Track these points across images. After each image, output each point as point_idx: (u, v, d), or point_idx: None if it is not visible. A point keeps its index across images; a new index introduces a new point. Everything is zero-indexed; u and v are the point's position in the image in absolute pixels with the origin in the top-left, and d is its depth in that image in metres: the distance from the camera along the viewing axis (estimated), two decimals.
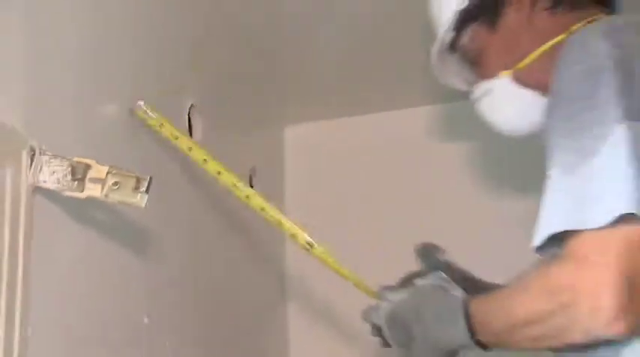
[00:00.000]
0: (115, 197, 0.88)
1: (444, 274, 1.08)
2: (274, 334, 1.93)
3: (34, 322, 0.80)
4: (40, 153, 0.85)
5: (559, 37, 0.97)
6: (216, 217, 1.53)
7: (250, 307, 1.72)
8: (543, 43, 1.00)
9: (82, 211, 0.94)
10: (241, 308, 1.66)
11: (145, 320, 1.14)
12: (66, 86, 0.99)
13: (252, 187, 1.30)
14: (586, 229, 0.75)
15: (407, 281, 1.10)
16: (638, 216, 0.72)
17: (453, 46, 1.10)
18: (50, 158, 0.85)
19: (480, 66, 1.09)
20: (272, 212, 1.12)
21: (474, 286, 1.09)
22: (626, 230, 0.73)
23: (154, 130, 1.16)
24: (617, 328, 0.73)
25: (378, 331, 1.07)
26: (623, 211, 0.72)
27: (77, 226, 0.96)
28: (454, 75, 1.17)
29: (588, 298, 0.74)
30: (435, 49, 1.10)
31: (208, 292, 1.47)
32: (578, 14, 0.99)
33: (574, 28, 0.95)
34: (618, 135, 0.75)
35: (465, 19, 1.06)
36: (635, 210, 0.72)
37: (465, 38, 1.08)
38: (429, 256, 1.14)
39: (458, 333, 0.95)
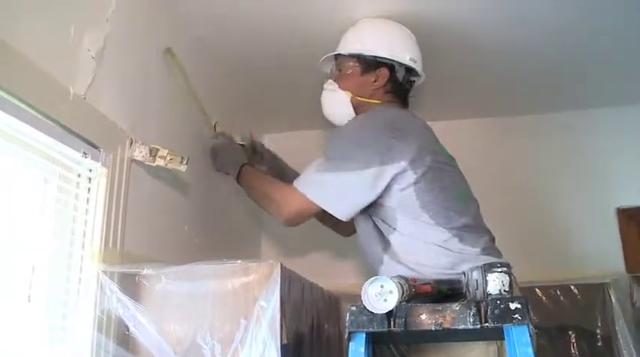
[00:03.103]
0: (170, 165, 1.68)
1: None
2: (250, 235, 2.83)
3: (129, 219, 1.59)
4: (135, 141, 1.64)
5: (377, 101, 1.86)
6: (219, 181, 2.33)
7: (236, 220, 2.60)
8: (371, 99, 1.88)
9: (153, 171, 1.75)
10: (232, 220, 2.55)
11: (186, 228, 2.00)
12: (150, 109, 1.81)
13: None
14: (300, 192, 1.74)
15: (231, 137, 2.13)
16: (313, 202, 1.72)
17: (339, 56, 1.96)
18: (139, 144, 1.65)
19: (341, 76, 1.94)
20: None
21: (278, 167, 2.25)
22: (303, 200, 1.73)
23: (175, 68, 1.94)
24: (284, 222, 1.81)
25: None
26: (309, 196, 1.72)
27: (150, 178, 1.77)
28: (326, 67, 2.03)
29: (284, 206, 1.74)
30: (333, 52, 1.96)
31: (215, 212, 2.34)
32: (391, 98, 1.88)
33: (385, 102, 1.87)
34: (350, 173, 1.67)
35: (358, 57, 1.91)
36: (314, 199, 1.72)
37: (350, 61, 1.92)
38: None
39: (234, 169, 1.98)
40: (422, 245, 1.66)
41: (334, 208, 1.72)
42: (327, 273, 2.71)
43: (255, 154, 2.21)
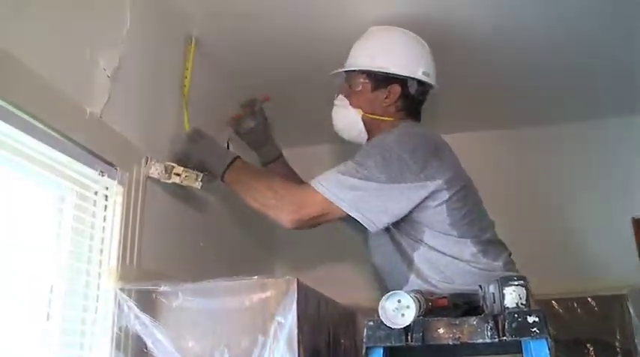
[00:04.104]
0: (186, 183, 1.70)
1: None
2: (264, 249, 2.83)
3: (145, 236, 1.60)
4: (150, 159, 1.66)
5: (390, 119, 1.80)
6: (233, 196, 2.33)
7: (250, 235, 2.62)
8: (382, 116, 1.82)
9: (169, 188, 1.77)
10: (246, 235, 2.55)
11: (201, 244, 2.01)
12: (164, 127, 1.83)
13: None
14: (318, 191, 1.62)
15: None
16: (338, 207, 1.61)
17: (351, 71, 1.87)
18: (155, 162, 1.67)
19: (351, 92, 1.86)
20: None
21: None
22: (326, 203, 1.61)
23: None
24: (287, 225, 1.66)
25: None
26: (335, 200, 1.60)
27: (165, 194, 1.79)
28: (336, 77, 1.92)
29: (297, 207, 1.64)
30: (342, 69, 1.87)
31: (229, 228, 2.36)
32: (404, 115, 1.82)
33: (397, 120, 1.80)
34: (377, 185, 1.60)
35: (368, 73, 1.83)
36: (341, 204, 1.61)
37: (360, 78, 1.84)
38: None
39: (219, 164, 1.75)
40: (449, 260, 1.65)
41: (365, 217, 1.62)
42: (342, 287, 2.68)
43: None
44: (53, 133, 1.28)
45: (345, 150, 2.15)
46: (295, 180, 2.07)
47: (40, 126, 1.24)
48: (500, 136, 2.94)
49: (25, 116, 1.19)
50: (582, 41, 2.17)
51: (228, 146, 2.11)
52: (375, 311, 1.29)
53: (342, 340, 1.98)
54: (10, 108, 1.15)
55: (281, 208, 1.67)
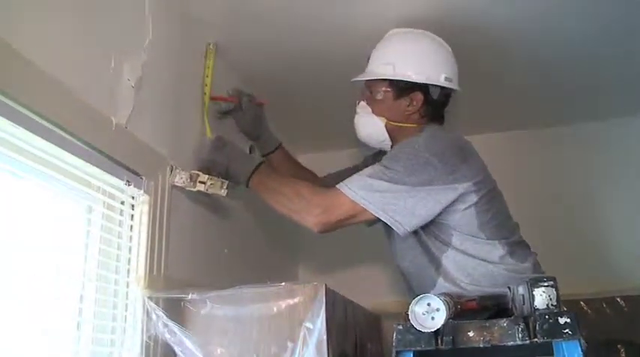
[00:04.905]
0: (211, 191, 1.70)
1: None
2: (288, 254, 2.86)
3: (172, 245, 1.61)
4: (175, 168, 1.67)
5: (413, 125, 1.78)
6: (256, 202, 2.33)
7: (274, 240, 2.66)
8: (406, 123, 1.80)
9: (194, 196, 1.77)
10: (269, 240, 2.57)
11: (225, 250, 2.02)
12: (187, 135, 1.84)
13: None
14: (345, 194, 1.62)
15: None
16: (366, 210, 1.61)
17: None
18: (180, 170, 1.67)
19: (373, 100, 1.82)
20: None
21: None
22: (353, 206, 1.61)
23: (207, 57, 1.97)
24: (315, 228, 1.66)
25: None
26: (364, 203, 1.60)
27: (190, 202, 1.79)
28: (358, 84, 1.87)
29: (324, 211, 1.63)
30: (363, 78, 1.83)
31: (253, 234, 2.37)
32: (427, 121, 1.80)
33: (421, 126, 1.78)
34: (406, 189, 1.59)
35: (390, 82, 1.79)
36: (370, 208, 1.60)
37: (382, 86, 1.80)
38: None
39: (244, 171, 1.76)
40: (477, 262, 1.65)
41: (394, 219, 1.61)
42: (365, 290, 2.68)
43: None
44: (81, 145, 1.30)
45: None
46: (299, 171, 2.12)
47: (69, 137, 1.26)
48: (524, 136, 2.91)
49: (53, 127, 1.21)
50: (608, 41, 2.14)
51: (251, 152, 2.12)
52: (399, 315, 1.29)
53: (369, 345, 1.98)
54: (39, 119, 1.17)
55: (308, 211, 1.67)
